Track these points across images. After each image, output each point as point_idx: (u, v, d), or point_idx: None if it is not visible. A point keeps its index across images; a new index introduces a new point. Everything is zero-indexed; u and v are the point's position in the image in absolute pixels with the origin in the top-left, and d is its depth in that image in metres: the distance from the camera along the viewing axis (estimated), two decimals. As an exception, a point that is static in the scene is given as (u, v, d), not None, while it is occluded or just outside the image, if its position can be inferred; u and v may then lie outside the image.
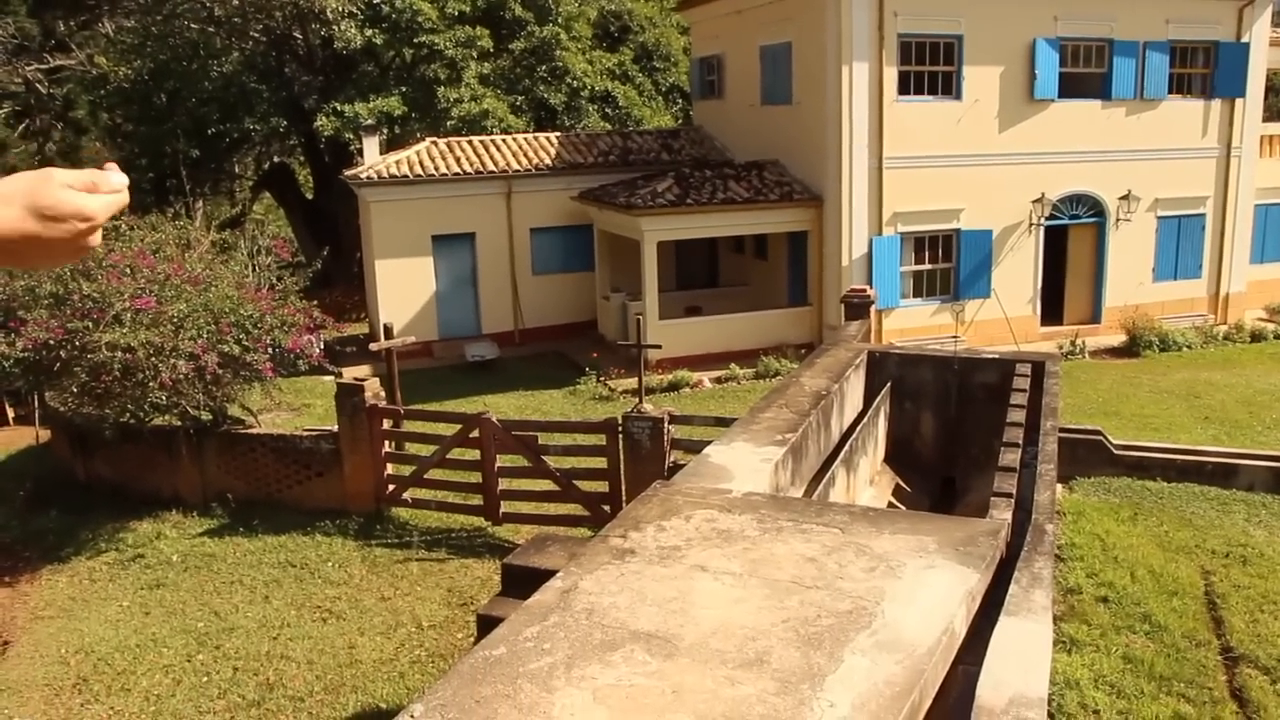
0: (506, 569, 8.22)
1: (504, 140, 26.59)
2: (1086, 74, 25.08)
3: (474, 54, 31.74)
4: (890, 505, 10.14)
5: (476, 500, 14.32)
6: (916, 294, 24.05)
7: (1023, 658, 5.07)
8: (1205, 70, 26.50)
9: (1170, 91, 26.07)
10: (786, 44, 24.34)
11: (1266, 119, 29.29)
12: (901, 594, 5.34)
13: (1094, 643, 10.32)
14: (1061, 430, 14.51)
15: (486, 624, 6.97)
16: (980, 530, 6.31)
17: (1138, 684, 9.80)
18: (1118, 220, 25.68)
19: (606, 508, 12.98)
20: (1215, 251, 27.38)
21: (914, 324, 23.65)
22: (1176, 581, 11.99)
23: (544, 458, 13.73)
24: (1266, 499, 14.87)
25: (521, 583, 6.36)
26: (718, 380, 21.86)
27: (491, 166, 24.98)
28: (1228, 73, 26.48)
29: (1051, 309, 25.71)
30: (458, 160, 24.91)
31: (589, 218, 25.13)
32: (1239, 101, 26.86)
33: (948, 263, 24.09)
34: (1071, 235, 25.77)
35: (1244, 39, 26.51)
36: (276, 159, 40.67)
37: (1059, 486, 14.43)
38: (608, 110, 35.20)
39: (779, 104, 24.94)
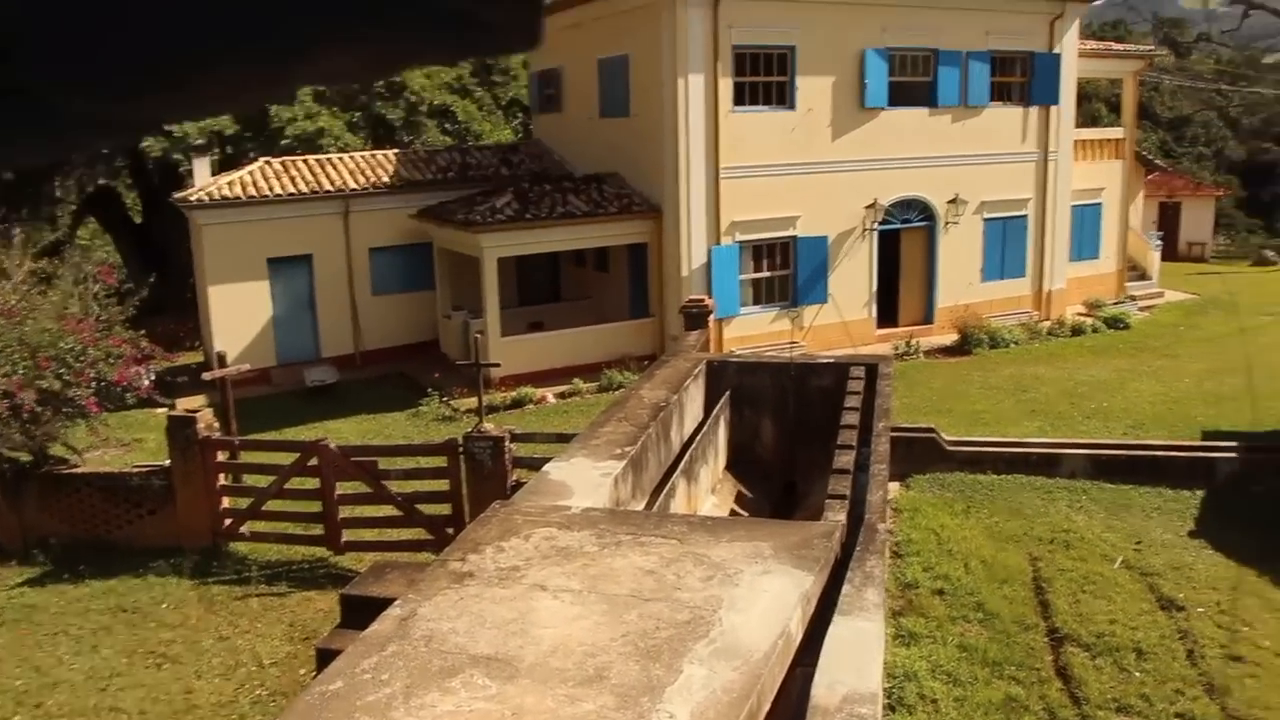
0: (345, 600, 8.07)
1: (340, 159, 26.08)
2: (914, 83, 25.98)
3: (306, 71, 31.04)
4: (733, 513, 10.29)
5: (318, 530, 13.97)
6: (756, 302, 24.50)
7: (856, 656, 5.20)
8: (1023, 79, 27.74)
9: (992, 99, 27.21)
10: (624, 56, 24.53)
11: (1079, 125, 30.83)
12: (739, 601, 5.42)
13: (931, 634, 10.67)
14: (897, 429, 14.97)
15: (325, 657, 6.82)
16: (815, 533, 6.45)
17: (972, 671, 10.17)
18: (947, 223, 26.65)
19: (450, 530, 12.83)
20: (1038, 251, 28.65)
21: (755, 331, 24.09)
22: (1006, 570, 12.50)
23: (385, 483, 13.50)
24: (1086, 485, 15.64)
25: (361, 613, 6.24)
26: (561, 395, 21.85)
27: (328, 186, 24.46)
28: (1043, 81, 27.78)
29: (887, 311, 26.51)
30: (293, 180, 24.32)
31: (428, 236, 24.85)
32: (1054, 108, 28.20)
33: (785, 270, 24.61)
34: (904, 239, 26.63)
35: (1056, 50, 27.86)
36: (101, 181, 39.03)
37: (896, 484, 14.89)
38: (447, 125, 34.92)
39: (617, 116, 25.12)
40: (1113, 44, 38.26)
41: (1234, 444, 16.99)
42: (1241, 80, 64.24)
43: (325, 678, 4.48)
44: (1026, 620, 11.42)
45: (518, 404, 21.25)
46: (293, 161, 25.36)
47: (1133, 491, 15.64)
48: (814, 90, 24.22)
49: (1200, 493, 15.78)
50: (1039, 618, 11.55)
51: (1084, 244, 31.05)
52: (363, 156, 26.40)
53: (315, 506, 13.85)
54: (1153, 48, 42.25)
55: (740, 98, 23.63)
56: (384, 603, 5.46)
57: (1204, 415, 19.81)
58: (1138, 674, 10.51)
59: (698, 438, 9.96)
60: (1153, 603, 12.16)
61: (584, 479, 7.52)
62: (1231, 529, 14.58)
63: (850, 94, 24.68)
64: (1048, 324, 28.01)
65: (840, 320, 24.90)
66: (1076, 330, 27.78)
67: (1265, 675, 10.74)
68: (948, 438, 16.15)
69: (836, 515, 7.03)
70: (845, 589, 5.89)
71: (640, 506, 8.29)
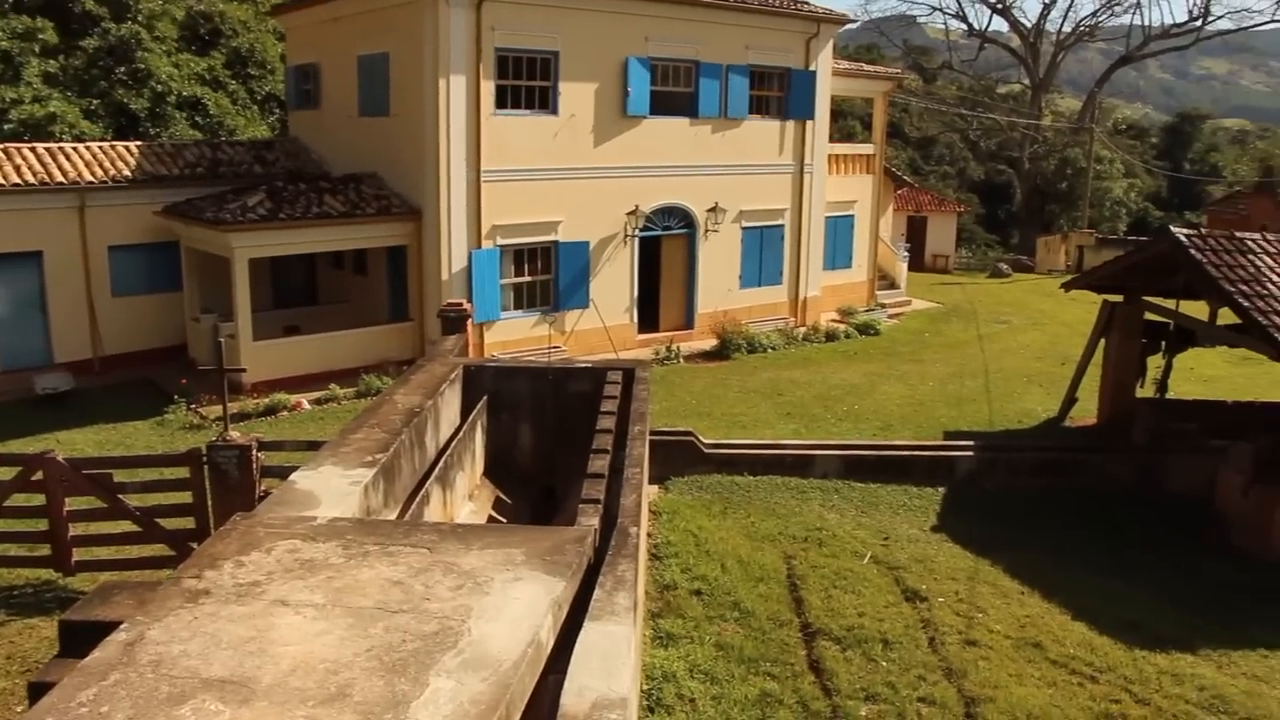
0: (65, 626, 7.45)
1: (76, 148, 24.35)
2: (676, 92, 26.48)
3: (35, 48, 28.96)
4: (491, 519, 10.14)
5: (45, 550, 12.94)
6: (518, 306, 24.39)
7: (606, 661, 5.15)
8: (780, 93, 28.72)
9: (751, 112, 28.05)
10: (384, 54, 23.97)
11: (834, 140, 32.21)
12: (489, 610, 5.29)
13: (689, 634, 10.80)
14: (656, 433, 15.16)
15: (38, 692, 6.28)
16: (567, 539, 6.38)
17: (729, 668, 10.35)
18: (707, 231, 27.28)
19: (194, 545, 12.14)
20: (794, 260, 29.72)
21: (516, 336, 23.97)
22: (762, 568, 12.82)
23: (121, 496, 12.63)
24: (838, 484, 16.28)
25: (83, 639, 5.76)
26: (317, 402, 21.13)
27: (60, 177, 22.77)
28: (799, 96, 28.85)
29: (648, 317, 26.91)
30: (18, 169, 22.52)
31: (175, 234, 23.57)
32: (809, 123, 29.33)
33: (547, 274, 24.61)
34: (665, 246, 27.09)
35: (811, 67, 28.99)
36: None
37: (655, 487, 15.06)
38: (198, 119, 33.29)
39: (377, 115, 24.52)
40: (864, 65, 40.15)
41: (971, 443, 18.05)
42: (979, 106, 68.78)
43: (34, 715, 4.09)
44: (781, 617, 11.73)
45: (271, 411, 20.41)
46: (18, 149, 23.48)
47: (881, 490, 16.39)
48: (577, 96, 24.33)
49: (942, 489, 16.71)
50: (793, 614, 11.88)
51: (838, 254, 32.43)
52: (102, 147, 24.74)
53: (42, 525, 12.80)
54: (901, 71, 44.55)
55: (503, 101, 23.48)
56: (109, 626, 5.06)
57: (946, 416, 20.99)
58: (884, 663, 10.96)
59: (453, 444, 9.75)
60: (899, 595, 12.72)
61: (332, 488, 7.23)
62: (969, 523, 15.50)
63: (613, 101, 24.92)
64: (803, 330, 29.10)
65: (602, 325, 25.10)
66: (830, 336, 28.97)
67: (995, 657, 11.40)
68: (706, 440, 16.48)
69: (590, 520, 6.99)
70: (596, 594, 5.86)
71: (393, 515, 8.04)
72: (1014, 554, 14.39)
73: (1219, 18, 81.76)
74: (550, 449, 11.42)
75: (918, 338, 30.39)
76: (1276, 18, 64.58)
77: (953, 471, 17.14)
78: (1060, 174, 64.05)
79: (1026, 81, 65.91)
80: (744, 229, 28.33)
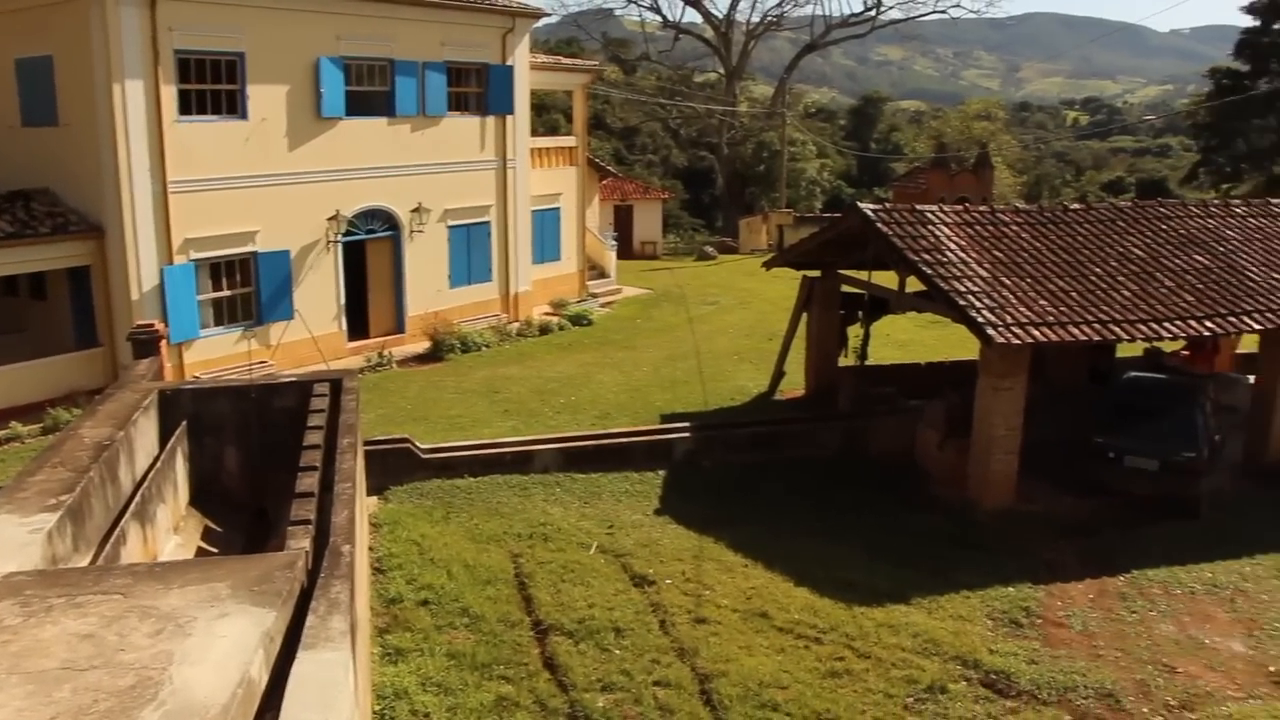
0: None
1: None
2: (372, 92, 25.83)
3: None
4: (200, 551, 9.61)
5: None
6: (218, 322, 23.12)
7: (323, 691, 4.95)
8: (479, 89, 28.55)
9: (450, 109, 27.73)
10: (47, 58, 22.10)
11: (538, 134, 32.30)
12: (192, 653, 4.99)
13: (419, 647, 10.59)
14: (370, 443, 14.80)
15: None
16: (276, 565, 6.11)
17: (462, 677, 10.22)
18: (412, 232, 26.81)
19: None
20: (502, 256, 29.66)
21: (218, 354, 22.75)
22: (489, 570, 12.73)
23: None
24: (560, 477, 16.37)
25: None
26: (-1, 441, 19.40)
27: None
28: (498, 92, 28.77)
29: (358, 324, 26.19)
30: None
31: None
32: (509, 118, 29.31)
33: (247, 287, 23.47)
34: (370, 250, 26.43)
35: (509, 62, 28.96)
36: None
37: (374, 499, 14.69)
38: None
39: (44, 125, 22.60)
40: (562, 59, 40.52)
41: (688, 425, 18.55)
42: (678, 95, 70.91)
43: None
44: (512, 617, 11.68)
45: (-58, 455, 18.58)
46: None
47: (603, 478, 16.57)
48: (268, 99, 23.33)
49: (662, 472, 17.06)
50: (524, 613, 11.85)
51: (546, 247, 32.61)
52: None
53: None
54: (599, 64, 45.24)
55: (187, 106, 22.18)
56: None
57: (662, 400, 21.47)
58: (618, 651, 11.10)
59: (151, 475, 9.16)
60: (627, 582, 12.92)
61: (8, 540, 6.62)
62: (691, 503, 15.92)
63: (306, 103, 24.06)
64: (517, 325, 29.11)
65: (310, 336, 24.20)
66: (544, 330, 29.13)
67: (725, 631, 11.78)
68: (423, 446, 16.20)
69: (300, 542, 6.72)
70: (310, 620, 5.63)
71: (85, 561, 7.46)
72: (736, 528, 14.89)
73: (890, 8, 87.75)
74: (260, 470, 10.93)
75: (630, 325, 31.01)
76: (939, 8, 71.11)
77: (671, 454, 17.57)
78: (757, 157, 66.89)
79: (721, 70, 68.50)
80: (450, 228, 28.03)
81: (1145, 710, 10.87)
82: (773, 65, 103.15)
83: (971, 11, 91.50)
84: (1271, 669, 11.85)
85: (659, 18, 67.65)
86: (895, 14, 71.39)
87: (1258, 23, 63.31)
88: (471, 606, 11.63)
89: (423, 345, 26.31)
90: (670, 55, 70.84)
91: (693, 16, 67.05)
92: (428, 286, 27.42)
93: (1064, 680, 11.23)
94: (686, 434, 18.01)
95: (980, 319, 15.03)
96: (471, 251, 28.74)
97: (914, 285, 17.38)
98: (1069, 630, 12.53)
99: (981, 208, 18.97)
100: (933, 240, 16.82)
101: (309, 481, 7.95)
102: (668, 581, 12.97)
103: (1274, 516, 16.38)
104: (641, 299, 35.76)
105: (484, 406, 20.89)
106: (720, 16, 65.67)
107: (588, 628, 11.50)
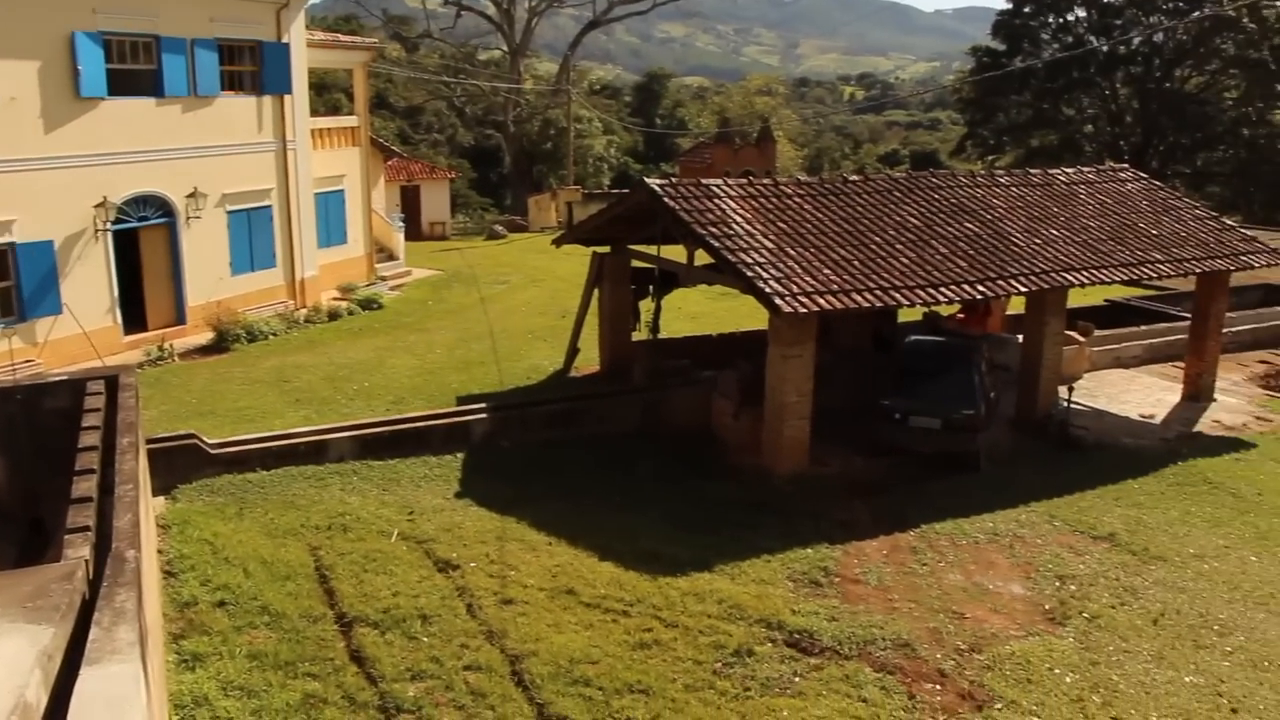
0: None
1: None
2: (138, 71, 24.42)
3: None
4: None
5: None
6: (-26, 320, 21.58)
7: (111, 707, 4.67)
8: (254, 68, 27.42)
9: (224, 89, 26.52)
10: None
11: (321, 114, 31.27)
12: (-41, 679, 4.61)
13: (217, 650, 10.16)
14: (154, 441, 14.11)
15: None
16: (52, 578, 5.73)
17: (266, 677, 9.87)
18: (189, 218, 25.58)
19: None
20: (286, 241, 28.66)
21: (-24, 354, 21.23)
22: (288, 565, 12.32)
23: None
24: (356, 466, 15.99)
25: None
26: None
27: None
28: (274, 70, 27.69)
29: (135, 316, 24.81)
30: None
31: None
32: (288, 98, 28.27)
33: (7, 281, 21.86)
34: (144, 238, 25.08)
35: (284, 39, 27.89)
36: None
37: (161, 499, 14.02)
38: None
39: None
40: (340, 36, 39.38)
41: (484, 405, 18.38)
42: (462, 73, 69.96)
43: None
44: (314, 612, 11.34)
45: None
46: None
47: (401, 464, 16.26)
48: (17, 77, 21.70)
49: (461, 455, 16.87)
50: (326, 606, 11.53)
51: (332, 230, 31.74)
52: None
53: None
54: (379, 41, 44.11)
55: (-75, 86, 20.50)
56: None
57: (457, 382, 21.23)
58: (426, 639, 10.93)
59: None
60: (431, 568, 12.73)
61: None
62: (492, 484, 15.81)
63: (63, 82, 22.53)
64: (305, 312, 28.23)
65: (81, 331, 22.79)
66: (333, 315, 28.34)
67: (532, 610, 11.75)
68: (211, 441, 15.52)
69: (79, 551, 6.32)
70: (94, 632, 5.29)
71: None
72: (538, 507, 14.86)
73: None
74: (31, 478, 10.22)
75: (421, 307, 30.51)
76: (715, -17, 73.40)
77: (469, 435, 17.39)
78: (544, 135, 66.80)
79: (505, 48, 67.90)
80: (229, 213, 26.88)
81: (939, 655, 11.43)
82: (557, 42, 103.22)
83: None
84: (1047, 607, 12.66)
85: (440, -7, 66.59)
86: (676, -10, 72.15)
87: (1011, 5, 67.10)
88: (271, 604, 11.23)
89: (206, 336, 25.19)
90: (453, 32, 69.82)
91: (476, -8, 66.20)
92: (208, 275, 26.25)
93: (863, 634, 11.67)
94: (484, 415, 17.86)
95: (768, 289, 15.40)
96: (253, 237, 27.66)
97: (703, 258, 17.68)
98: (866, 586, 13.03)
99: (765, 181, 19.42)
100: (719, 213, 17.12)
101: (86, 486, 7.47)
102: (472, 565, 12.85)
103: (1044, 466, 17.49)
104: (432, 280, 35.24)
105: (274, 397, 20.18)
106: (502, -7, 65.10)
107: (393, 617, 11.29)
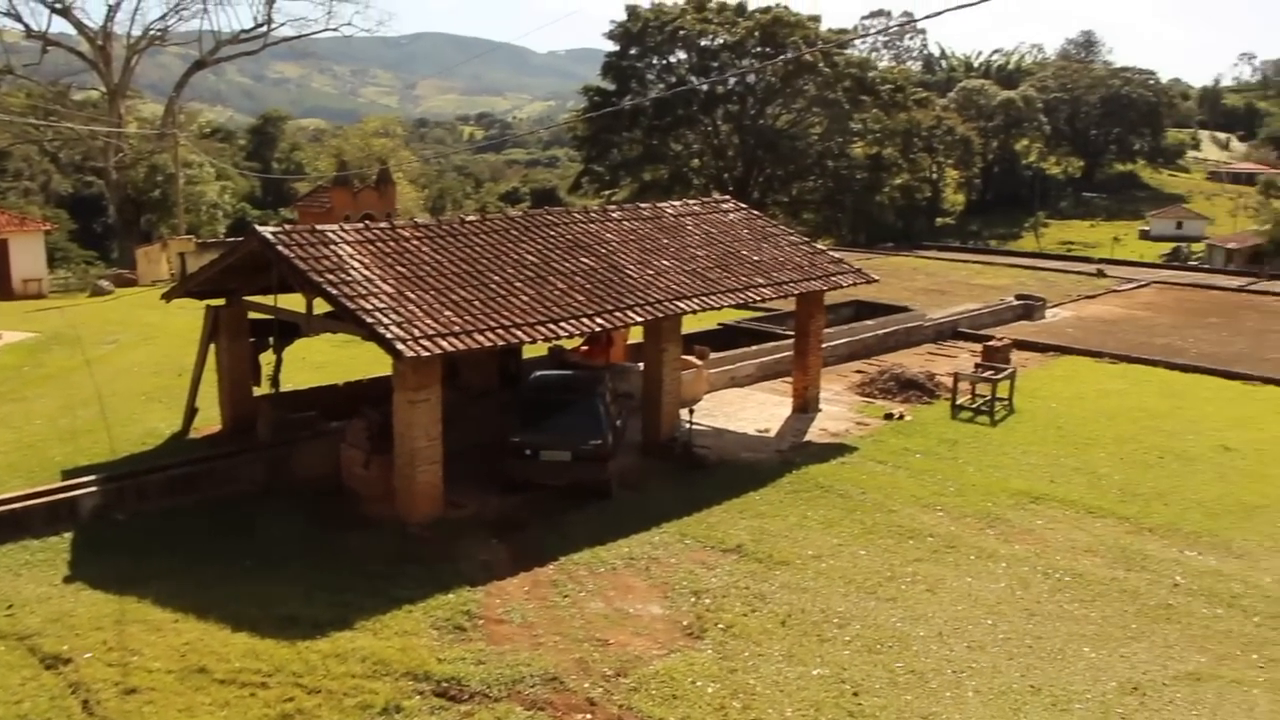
0: None
1: None
2: None
3: None
4: None
5: None
6: None
7: None
8: None
9: None
10: None
11: None
12: None
13: None
14: None
15: None
16: None
17: None
18: None
19: None
20: None
21: None
22: None
23: None
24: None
25: None
26: None
27: None
28: None
29: None
30: None
31: None
32: None
33: None
34: None
35: None
36: None
37: None
38: None
39: None
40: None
41: (94, 478, 17.07)
42: (53, 115, 64.51)
43: None
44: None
45: None
46: None
47: (-4, 553, 14.79)
48: None
49: (69, 535, 15.56)
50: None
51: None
52: None
53: None
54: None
55: None
56: None
57: (62, 454, 19.55)
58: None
59: None
60: (37, 666, 11.67)
61: None
62: (107, 563, 14.66)
63: None
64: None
65: None
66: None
67: (160, 697, 11.04)
68: None
69: None
70: None
71: None
72: (161, 582, 13.89)
73: (282, 25, 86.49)
74: None
75: (16, 374, 27.78)
76: (331, 26, 71.31)
77: (77, 512, 16.04)
78: (151, 181, 62.94)
79: (103, 88, 63.24)
80: None
81: (586, 685, 11.70)
82: (162, 83, 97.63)
83: (364, 30, 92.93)
84: (685, 623, 13.29)
85: (20, 26, 61.04)
86: (288, 30, 70.13)
87: (618, 48, 70.44)
88: None
89: None
90: (40, 69, 64.08)
91: (64, 26, 61.21)
92: None
93: (511, 674, 11.77)
94: (93, 488, 16.57)
95: (389, 335, 15.27)
96: None
97: (323, 306, 17.29)
98: (510, 625, 13.13)
99: (383, 224, 19.27)
100: (336, 260, 16.81)
101: None
102: (87, 655, 11.86)
103: (672, 487, 18.38)
104: (28, 344, 32.19)
105: None
106: (96, 28, 60.71)
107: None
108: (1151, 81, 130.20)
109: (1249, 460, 21.06)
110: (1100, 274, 51.08)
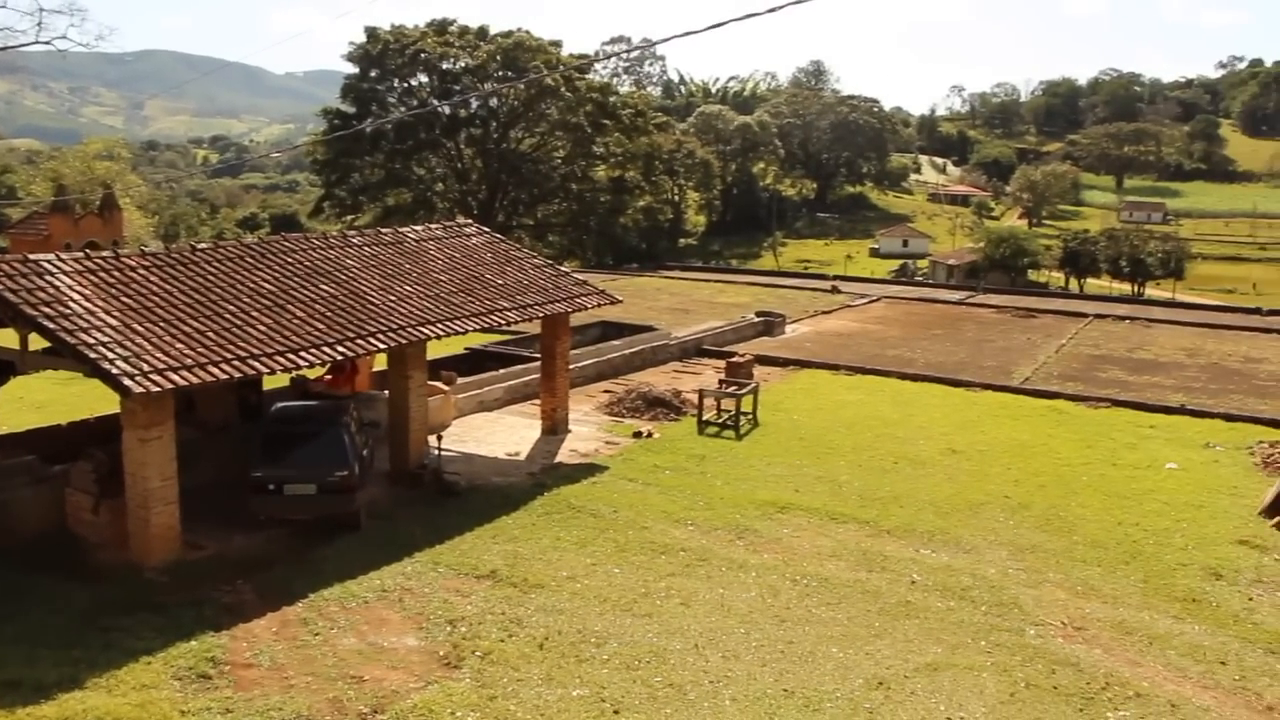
0: None
1: None
2: None
3: None
4: None
5: None
6: None
7: None
8: None
9: None
10: None
11: None
12: None
13: None
14: None
15: None
16: None
17: None
18: None
19: None
20: None
21: None
22: None
23: None
24: None
25: None
26: None
27: None
28: None
29: None
30: None
31: None
32: None
33: None
34: None
35: None
36: None
37: None
38: None
39: None
40: None
41: None
42: None
43: None
44: None
45: None
46: None
47: None
48: None
49: None
50: None
51: None
52: None
53: None
54: None
55: None
56: None
57: None
58: None
59: None
60: None
61: None
62: None
63: None
64: None
65: None
66: None
67: None
68: None
69: None
70: None
71: None
72: None
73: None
74: None
75: None
76: (41, 39, 66.44)
77: None
78: None
79: None
80: None
81: (342, 724, 11.32)
82: None
83: (80, 45, 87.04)
84: (441, 653, 13.05)
85: None
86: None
87: (358, 70, 69.14)
88: None
89: None
90: None
91: None
92: None
93: (262, 720, 11.27)
94: None
95: (114, 370, 14.38)
96: None
97: (40, 342, 16.13)
98: (259, 669, 12.55)
99: (105, 253, 18.15)
100: (53, 291, 15.71)
101: None
102: None
103: (422, 515, 18.06)
104: None
105: None
106: None
107: None
108: (876, 109, 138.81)
109: (973, 461, 22.60)
110: (835, 290, 53.82)
